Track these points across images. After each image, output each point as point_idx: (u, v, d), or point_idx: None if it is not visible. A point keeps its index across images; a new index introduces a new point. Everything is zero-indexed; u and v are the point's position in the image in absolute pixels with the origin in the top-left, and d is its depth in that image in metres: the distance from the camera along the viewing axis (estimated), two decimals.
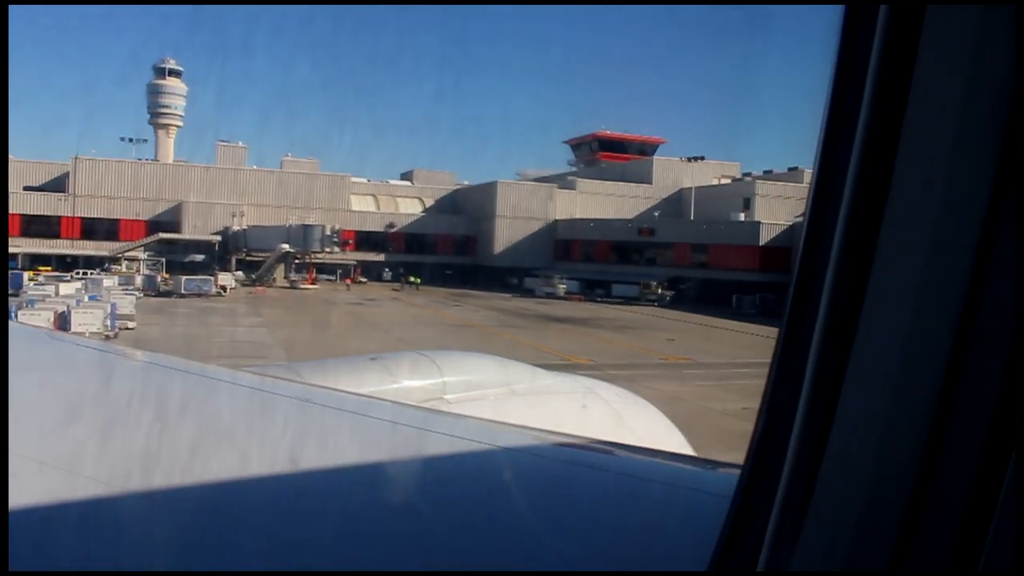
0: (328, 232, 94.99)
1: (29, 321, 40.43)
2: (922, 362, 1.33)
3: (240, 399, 3.83)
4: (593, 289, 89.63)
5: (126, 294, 54.73)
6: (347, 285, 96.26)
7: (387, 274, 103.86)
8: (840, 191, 1.37)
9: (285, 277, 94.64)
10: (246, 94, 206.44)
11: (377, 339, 47.69)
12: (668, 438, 6.53)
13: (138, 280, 76.83)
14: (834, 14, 1.45)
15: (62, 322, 42.20)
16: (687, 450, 6.18)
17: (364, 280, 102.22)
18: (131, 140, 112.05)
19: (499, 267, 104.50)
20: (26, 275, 70.21)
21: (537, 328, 60.62)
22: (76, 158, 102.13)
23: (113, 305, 47.78)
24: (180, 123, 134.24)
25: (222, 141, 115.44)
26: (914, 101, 1.29)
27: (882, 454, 1.36)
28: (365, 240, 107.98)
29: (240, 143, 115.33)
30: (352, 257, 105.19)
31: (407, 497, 2.59)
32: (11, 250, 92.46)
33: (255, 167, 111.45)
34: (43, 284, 61.28)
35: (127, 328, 49.41)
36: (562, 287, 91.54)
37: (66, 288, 57.82)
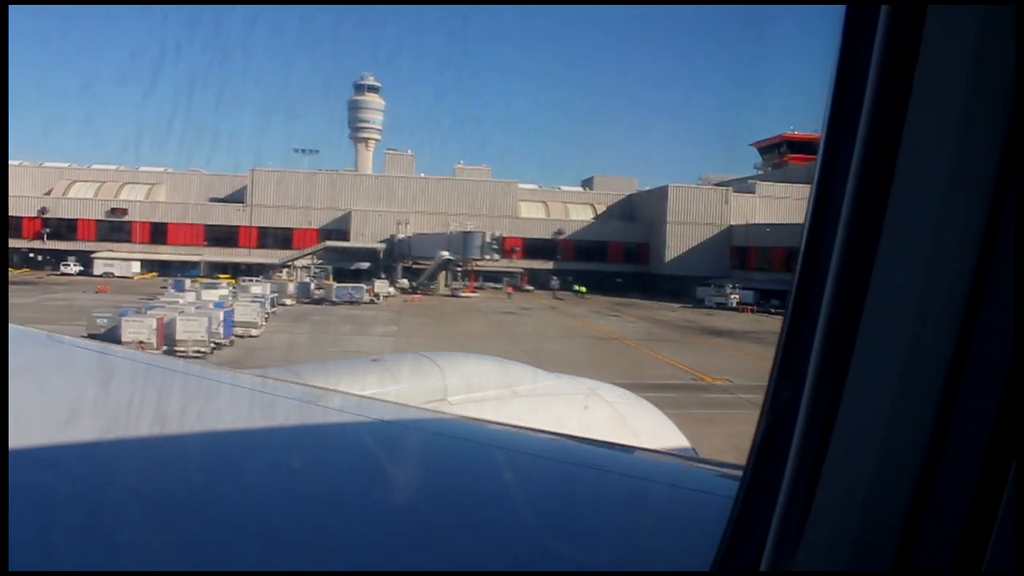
0: (488, 239, 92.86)
1: (130, 330, 39.46)
2: (924, 362, 1.33)
3: (243, 400, 3.82)
4: (768, 300, 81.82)
5: (253, 302, 53.55)
6: (508, 293, 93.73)
7: (554, 282, 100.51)
8: (842, 191, 1.37)
9: (446, 285, 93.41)
10: (417, 101, 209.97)
11: (497, 351, 44.13)
12: (670, 439, 6.67)
13: (291, 288, 77.03)
14: (835, 15, 1.44)
15: (167, 331, 41.03)
16: (689, 451, 6.30)
17: (530, 288, 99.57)
18: (304, 151, 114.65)
19: (670, 275, 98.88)
20: (188, 281, 71.94)
21: (686, 342, 55.33)
22: (253, 170, 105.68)
23: (227, 313, 46.44)
24: (379, 136, 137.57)
25: (390, 150, 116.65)
26: (915, 101, 1.29)
27: (885, 454, 1.36)
28: (533, 247, 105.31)
29: (408, 151, 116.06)
30: (519, 265, 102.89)
31: (410, 498, 2.58)
32: (194, 258, 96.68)
33: (423, 175, 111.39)
34: (175, 292, 61.58)
35: (250, 336, 48.42)
36: (734, 297, 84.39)
37: (208, 295, 57.81)
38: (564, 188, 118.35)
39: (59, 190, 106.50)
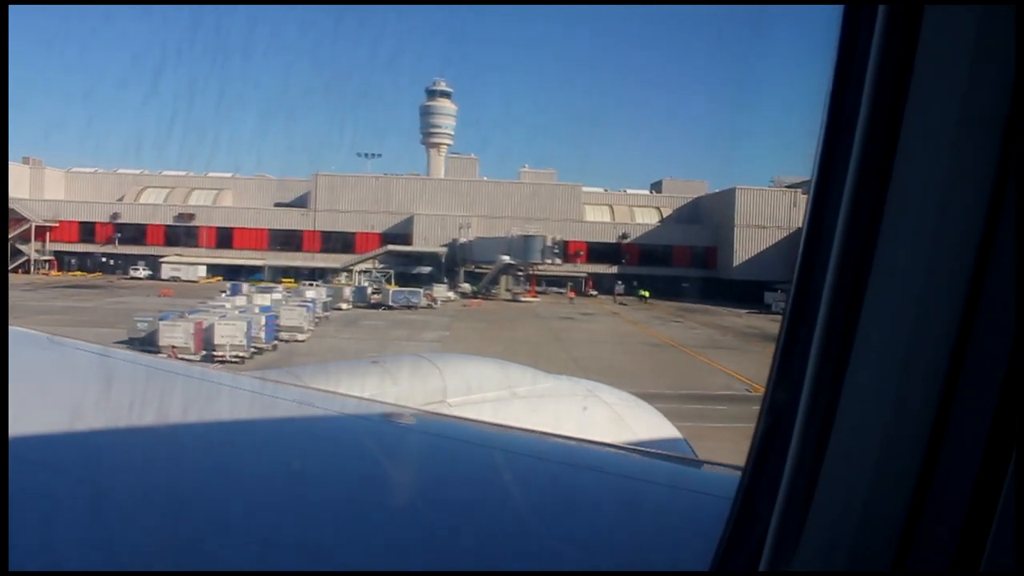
0: (549, 243, 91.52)
1: (167, 334, 39.21)
2: (923, 362, 1.33)
3: (242, 402, 3.81)
4: None
5: (300, 306, 53.10)
6: (570, 298, 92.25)
7: (619, 287, 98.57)
8: (840, 192, 1.37)
9: (507, 289, 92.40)
10: (485, 104, 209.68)
11: (546, 357, 42.94)
12: (669, 440, 6.62)
13: (347, 292, 76.85)
14: (833, 14, 1.44)
15: (205, 335, 40.69)
16: (688, 452, 6.30)
17: (594, 293, 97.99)
18: (367, 155, 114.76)
19: (738, 280, 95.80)
20: (245, 286, 72.31)
21: (747, 350, 53.06)
22: (317, 174, 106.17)
23: (270, 317, 46.04)
24: (451, 141, 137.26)
25: (453, 153, 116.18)
26: (913, 101, 1.29)
27: (883, 454, 1.36)
28: (598, 251, 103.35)
29: (472, 155, 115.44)
30: (583, 269, 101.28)
31: (410, 499, 2.57)
32: (258, 263, 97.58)
33: (486, 178, 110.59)
34: (226, 296, 61.48)
35: (296, 340, 47.98)
36: None
37: (260, 299, 57.68)
38: (630, 191, 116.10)
39: (131, 196, 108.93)
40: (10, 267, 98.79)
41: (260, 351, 42.56)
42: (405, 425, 3.70)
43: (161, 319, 40.90)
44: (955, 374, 1.30)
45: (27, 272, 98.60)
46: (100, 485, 2.58)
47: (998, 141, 1.25)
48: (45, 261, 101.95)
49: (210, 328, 41.10)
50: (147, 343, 38.64)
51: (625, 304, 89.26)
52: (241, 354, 39.93)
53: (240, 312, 46.31)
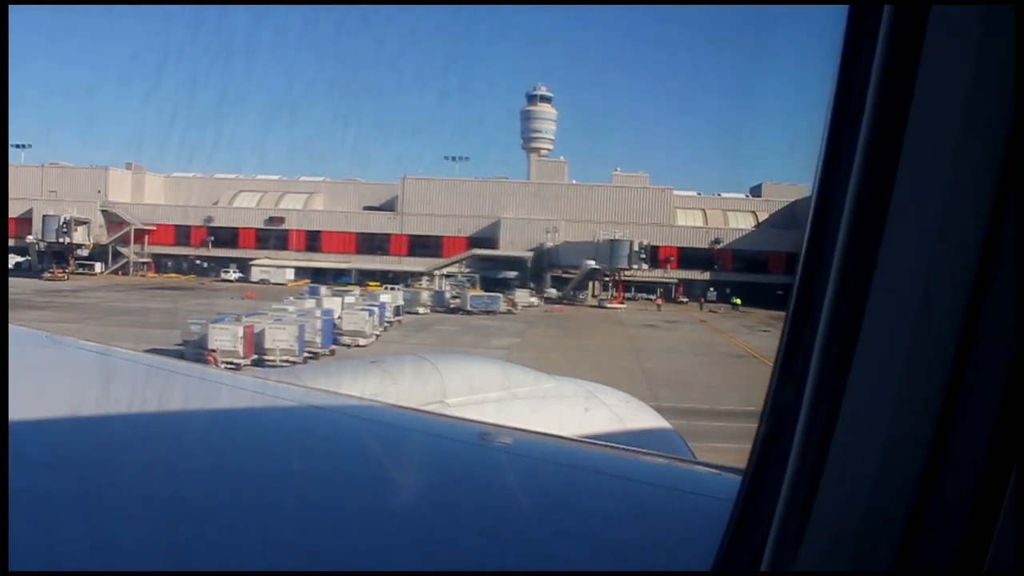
0: (636, 248, 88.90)
1: (217, 337, 38.53)
2: (925, 363, 1.33)
3: (241, 402, 3.82)
4: None
5: (363, 311, 52.04)
6: (658, 305, 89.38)
7: (711, 293, 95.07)
8: (844, 192, 1.37)
9: (594, 295, 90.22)
10: (579, 107, 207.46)
11: (612, 367, 40.90)
12: (669, 442, 6.65)
13: (424, 296, 75.96)
14: (838, 15, 1.44)
15: (257, 339, 39.90)
16: (688, 454, 6.36)
17: (685, 300, 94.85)
18: (454, 158, 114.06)
19: None
20: (323, 288, 72.20)
21: None
22: (404, 178, 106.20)
23: (326, 322, 45.11)
24: (551, 146, 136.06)
25: (541, 156, 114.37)
26: (917, 101, 1.28)
27: (886, 454, 1.36)
28: (689, 257, 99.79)
29: (561, 158, 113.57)
30: (674, 275, 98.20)
31: (410, 500, 2.56)
32: (345, 266, 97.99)
33: (575, 181, 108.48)
34: (295, 300, 60.82)
35: (357, 345, 47.02)
36: None
37: (331, 302, 57.03)
38: (724, 195, 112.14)
39: (225, 200, 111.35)
40: (110, 269, 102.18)
41: (315, 356, 41.46)
42: (403, 425, 3.67)
43: (213, 322, 40.27)
44: (958, 375, 1.30)
45: (126, 274, 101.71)
46: (100, 485, 2.55)
47: (1002, 142, 1.25)
48: (143, 263, 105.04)
49: (262, 332, 40.28)
50: (198, 346, 38.06)
51: (715, 311, 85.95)
52: (292, 359, 38.88)
53: (298, 315, 45.43)
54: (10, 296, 68.37)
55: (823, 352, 1.40)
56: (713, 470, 3.24)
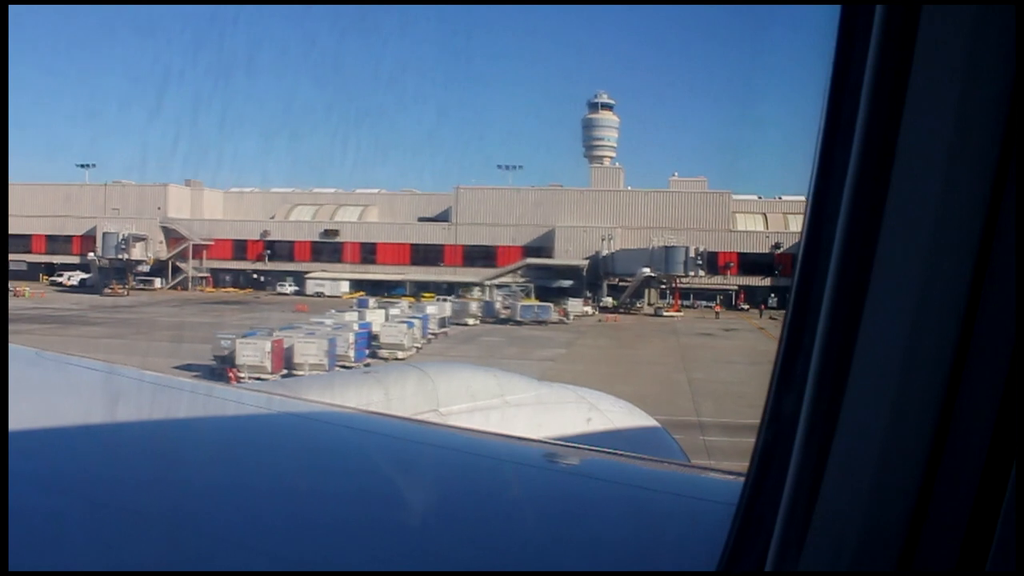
0: (692, 254, 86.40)
1: (244, 352, 37.76)
2: (924, 365, 1.33)
3: (236, 414, 3.82)
4: None
5: (402, 323, 51.03)
6: (716, 313, 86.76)
7: (772, 300, 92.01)
8: (839, 194, 1.37)
9: (650, 303, 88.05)
10: (637, 113, 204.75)
11: (655, 377, 39.29)
12: (665, 447, 6.74)
13: (473, 307, 74.88)
14: (830, 15, 1.44)
15: (287, 354, 39.04)
16: (684, 458, 6.59)
17: (746, 307, 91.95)
18: (507, 167, 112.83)
19: None
20: (372, 300, 71.64)
21: None
22: (458, 188, 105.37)
23: (359, 335, 44.07)
24: (613, 154, 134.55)
25: (595, 163, 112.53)
26: (911, 101, 1.28)
27: (887, 456, 1.37)
28: (750, 263, 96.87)
29: (617, 164, 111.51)
30: (734, 282, 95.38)
31: (410, 510, 2.59)
32: (399, 278, 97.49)
33: (630, 188, 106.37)
34: (336, 312, 60.07)
35: (395, 358, 45.95)
36: None
37: (373, 315, 56.26)
38: (785, 198, 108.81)
39: (281, 214, 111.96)
40: (170, 284, 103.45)
41: (342, 368, 40.50)
42: (397, 434, 3.68)
43: (242, 337, 39.57)
44: (957, 377, 1.30)
45: (184, 289, 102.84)
46: (100, 488, 2.55)
47: (996, 141, 1.24)
48: (202, 278, 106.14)
49: (291, 347, 39.43)
50: (227, 361, 37.39)
51: (775, 319, 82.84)
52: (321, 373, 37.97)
53: (334, 328, 44.56)
54: (68, 312, 69.68)
55: (822, 355, 1.39)
56: (713, 474, 3.28)
